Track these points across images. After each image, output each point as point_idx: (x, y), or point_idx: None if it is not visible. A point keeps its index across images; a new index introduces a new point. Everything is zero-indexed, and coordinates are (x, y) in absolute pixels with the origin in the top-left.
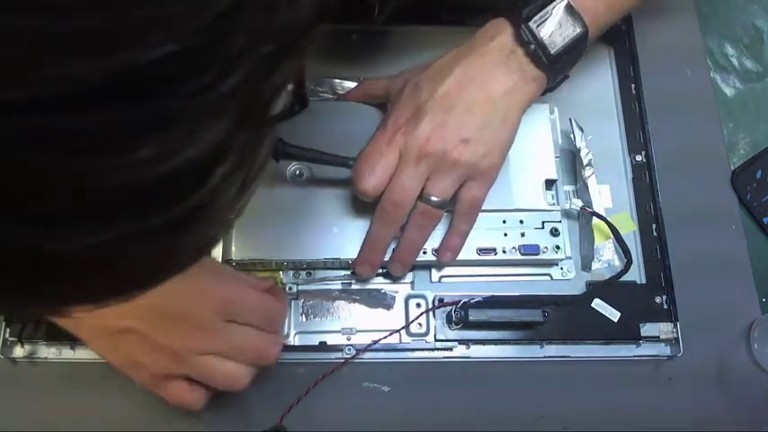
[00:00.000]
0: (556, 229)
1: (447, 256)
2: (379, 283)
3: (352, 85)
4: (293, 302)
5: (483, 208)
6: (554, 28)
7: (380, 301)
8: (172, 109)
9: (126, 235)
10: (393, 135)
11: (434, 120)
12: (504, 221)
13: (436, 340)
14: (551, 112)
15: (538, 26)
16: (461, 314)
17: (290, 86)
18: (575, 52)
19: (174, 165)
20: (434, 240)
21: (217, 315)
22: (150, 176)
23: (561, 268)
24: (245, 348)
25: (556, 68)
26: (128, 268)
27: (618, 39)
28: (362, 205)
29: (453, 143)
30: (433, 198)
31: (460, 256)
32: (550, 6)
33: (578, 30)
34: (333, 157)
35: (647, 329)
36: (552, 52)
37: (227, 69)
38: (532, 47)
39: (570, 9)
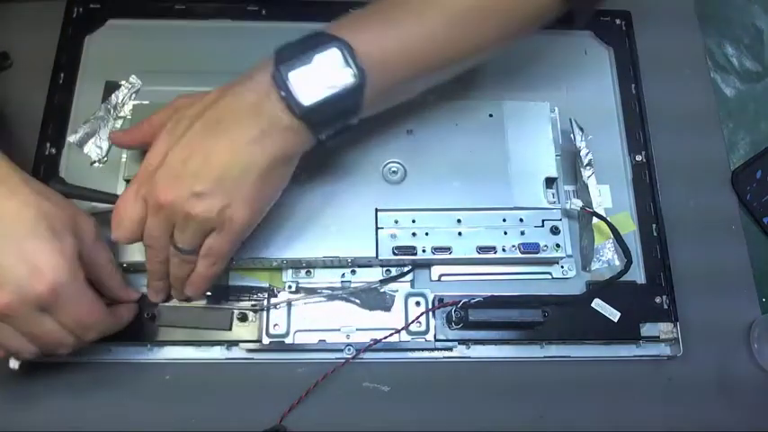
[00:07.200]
0: (556, 228)
1: (187, 289)
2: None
3: None
4: (292, 302)
5: (482, 206)
6: (314, 75)
7: (380, 302)
8: None
9: None
10: (140, 185)
11: (170, 171)
12: (504, 220)
13: (436, 340)
14: (552, 111)
15: (291, 70)
16: (461, 314)
17: None
18: (342, 105)
19: None
20: (434, 239)
21: (34, 300)
22: None
23: (562, 267)
24: (41, 340)
25: (314, 121)
26: None
27: (618, 39)
28: (361, 204)
29: (185, 197)
30: (179, 246)
31: (460, 255)
32: (315, 50)
33: (350, 80)
34: (104, 196)
35: (647, 329)
36: (305, 104)
37: None
38: (283, 93)
39: (346, 55)
